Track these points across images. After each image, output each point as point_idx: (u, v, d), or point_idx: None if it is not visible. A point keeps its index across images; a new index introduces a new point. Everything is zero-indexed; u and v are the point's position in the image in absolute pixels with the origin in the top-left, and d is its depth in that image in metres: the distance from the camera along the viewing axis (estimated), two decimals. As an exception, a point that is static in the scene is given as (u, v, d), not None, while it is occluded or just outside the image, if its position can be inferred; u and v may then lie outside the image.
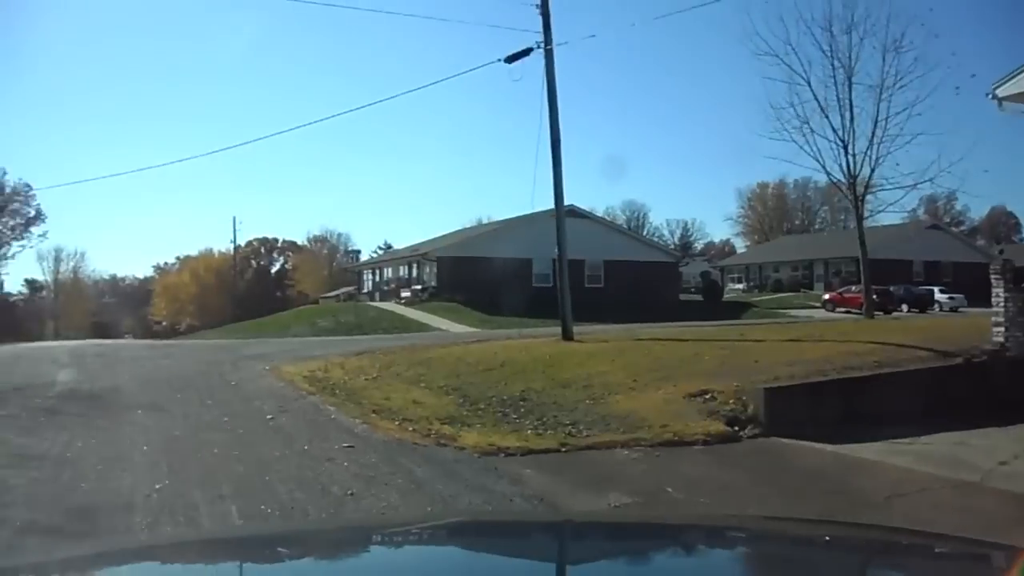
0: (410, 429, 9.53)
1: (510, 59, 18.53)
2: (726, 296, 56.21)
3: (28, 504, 6.30)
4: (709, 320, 30.63)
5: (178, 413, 10.79)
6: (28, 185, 62.45)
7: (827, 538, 2.42)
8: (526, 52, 18.32)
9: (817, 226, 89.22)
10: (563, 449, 8.70)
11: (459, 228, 68.56)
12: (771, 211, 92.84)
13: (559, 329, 18.30)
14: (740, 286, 68.12)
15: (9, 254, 67.05)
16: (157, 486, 6.77)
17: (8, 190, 62.79)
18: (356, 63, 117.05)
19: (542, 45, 18.21)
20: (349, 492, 6.56)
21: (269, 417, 10.31)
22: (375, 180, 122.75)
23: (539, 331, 21.53)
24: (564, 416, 10.12)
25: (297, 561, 2.18)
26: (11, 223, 64.57)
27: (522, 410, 10.69)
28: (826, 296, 45.41)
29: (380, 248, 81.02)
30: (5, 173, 62.32)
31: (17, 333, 65.56)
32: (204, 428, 9.62)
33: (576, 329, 18.28)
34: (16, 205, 63.58)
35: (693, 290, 58.84)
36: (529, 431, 9.57)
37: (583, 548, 2.35)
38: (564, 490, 7.16)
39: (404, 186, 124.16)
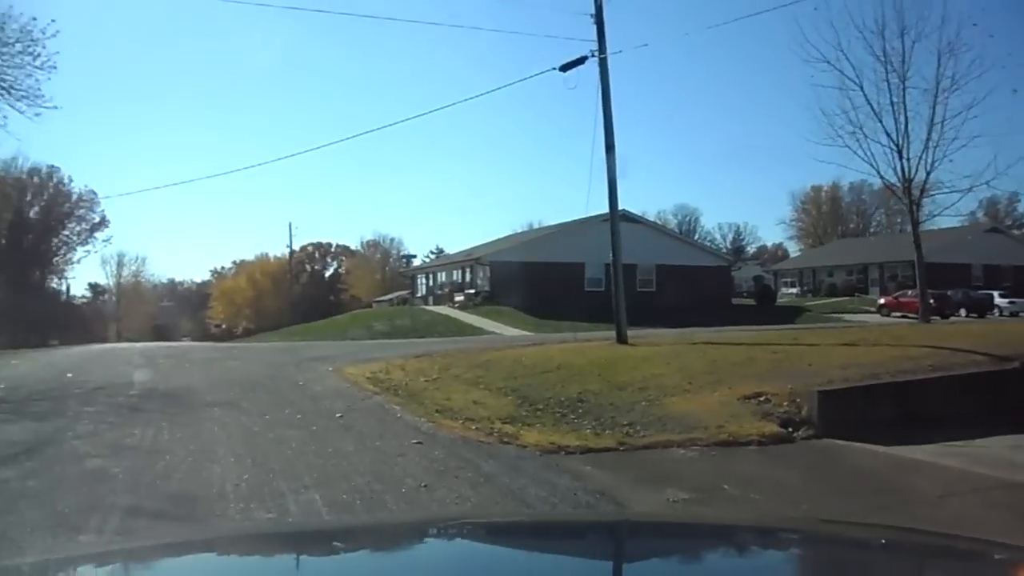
0: (473, 428, 9.93)
1: (565, 68, 18.91)
2: (779, 300, 55.84)
3: (131, 491, 6.84)
4: (762, 325, 30.64)
5: (253, 411, 11.37)
6: (93, 192, 64.66)
7: (841, 538, 2.41)
8: (581, 61, 18.69)
9: (872, 229, 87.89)
10: (621, 448, 9.02)
11: (511, 233, 69.10)
12: (825, 214, 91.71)
13: (613, 333, 18.58)
14: (793, 290, 67.50)
15: (75, 259, 69.40)
16: (245, 476, 7.28)
17: (75, 197, 64.96)
18: (410, 73, 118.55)
19: (596, 54, 18.55)
20: (423, 484, 6.98)
21: (339, 415, 10.81)
22: (428, 185, 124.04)
23: (593, 335, 21.83)
24: (621, 417, 10.43)
25: (297, 561, 2.17)
26: (77, 228, 66.80)
27: (580, 411, 11.02)
28: (881, 301, 44.90)
29: (432, 252, 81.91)
30: (71, 180, 64.47)
31: (82, 335, 67.75)
32: (279, 425, 10.16)
33: (629, 333, 18.55)
34: (82, 211, 65.76)
35: (745, 294, 58.51)
36: (588, 431, 9.91)
37: (583, 548, 2.33)
38: (624, 486, 7.46)
39: (456, 191, 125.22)
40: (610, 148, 18.55)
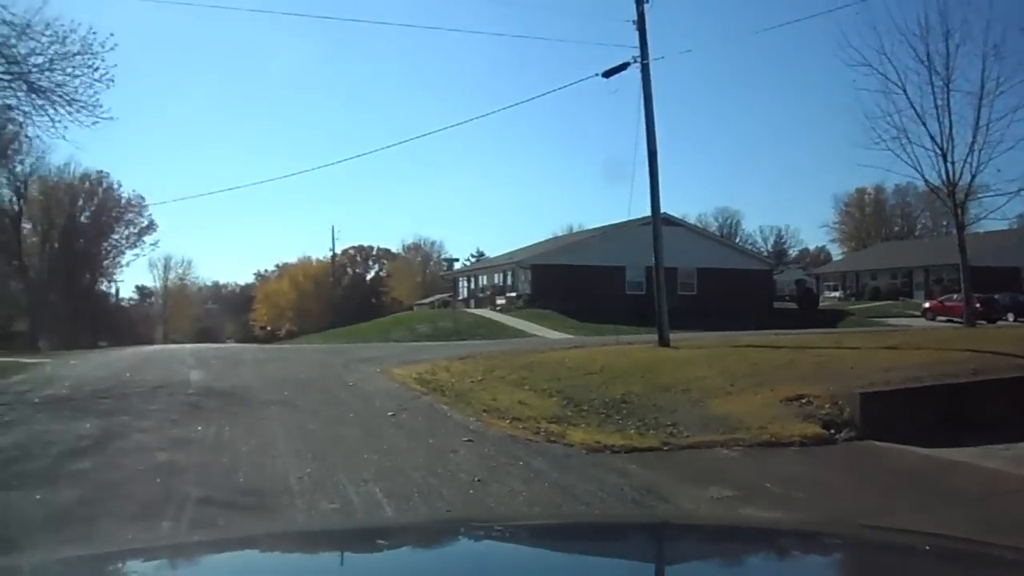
0: (520, 427, 10.22)
1: (607, 73, 19.19)
2: (821, 304, 55.38)
3: (201, 483, 7.24)
4: (804, 328, 30.55)
5: (307, 409, 11.79)
6: (141, 196, 65.98)
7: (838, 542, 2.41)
8: (623, 67, 18.94)
9: (917, 232, 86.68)
10: (665, 448, 9.25)
11: (551, 236, 69.40)
12: (869, 217, 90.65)
13: (655, 336, 18.79)
14: (836, 294, 66.88)
15: (124, 262, 70.93)
16: (307, 470, 7.66)
17: (123, 202, 66.41)
18: (453, 78, 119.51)
19: (639, 60, 18.78)
20: (476, 479, 7.30)
21: (390, 414, 11.18)
22: (469, 189, 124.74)
23: (635, 338, 22.02)
24: (664, 418, 10.65)
25: (297, 562, 2.19)
26: (126, 233, 68.22)
27: (624, 412, 11.27)
28: (926, 304, 44.41)
29: (473, 256, 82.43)
30: (120, 186, 65.93)
31: (130, 337, 69.20)
32: (334, 422, 10.56)
33: (671, 336, 18.73)
34: (130, 216, 67.16)
35: (787, 298, 58.15)
36: (632, 431, 10.16)
37: (583, 548, 2.34)
38: (668, 483, 7.70)
39: (496, 194, 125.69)
40: (652, 153, 18.77)
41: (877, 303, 54.83)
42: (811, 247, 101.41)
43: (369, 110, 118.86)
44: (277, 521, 6.04)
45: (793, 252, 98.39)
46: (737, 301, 42.23)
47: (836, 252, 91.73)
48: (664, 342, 18.30)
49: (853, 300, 60.94)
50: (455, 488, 7.02)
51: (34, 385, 16.46)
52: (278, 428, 10.15)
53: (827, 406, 10.43)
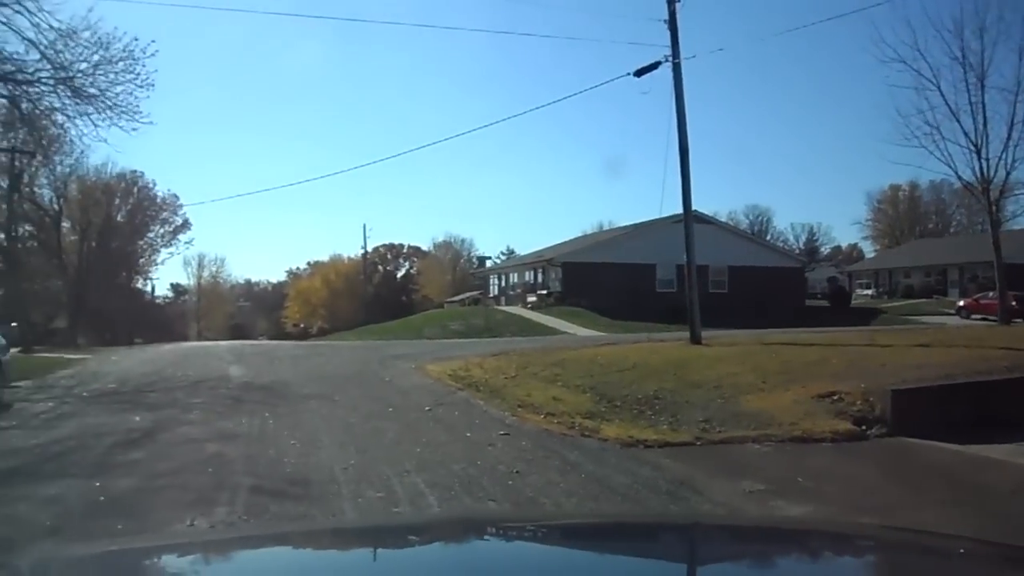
0: (555, 422, 10.45)
1: (639, 73, 19.31)
2: (854, 302, 54.93)
3: (250, 473, 7.55)
4: (836, 326, 30.40)
5: (347, 403, 12.11)
6: (175, 195, 66.95)
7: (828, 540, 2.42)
8: (654, 66, 19.06)
9: (952, 229, 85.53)
10: (698, 443, 9.44)
11: (581, 233, 69.44)
12: (903, 214, 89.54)
13: (686, 333, 18.90)
14: (869, 292, 66.24)
15: (159, 260, 72.02)
16: (352, 461, 7.95)
17: (158, 201, 67.45)
18: (483, 78, 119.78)
19: (670, 59, 18.90)
20: (515, 470, 7.54)
21: (427, 408, 11.46)
22: (499, 187, 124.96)
23: (667, 335, 22.16)
24: (697, 414, 10.82)
25: (297, 561, 2.17)
26: (161, 231, 69.26)
27: (656, 408, 11.45)
28: (960, 303, 43.91)
29: (503, 253, 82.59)
30: (155, 185, 66.95)
31: (165, 334, 70.20)
32: (373, 416, 10.86)
33: (702, 333, 18.83)
34: (165, 215, 68.18)
35: (820, 296, 57.73)
36: (665, 426, 10.35)
37: (583, 547, 2.35)
38: (701, 476, 7.88)
39: (527, 192, 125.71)
40: (684, 151, 18.86)
41: (910, 301, 54.26)
42: (843, 244, 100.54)
43: (399, 109, 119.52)
44: (325, 511, 6.30)
45: (825, 249, 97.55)
46: (768, 299, 42.03)
47: (869, 250, 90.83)
48: (696, 339, 18.41)
49: (886, 298, 60.38)
50: (494, 479, 7.26)
51: (81, 380, 16.99)
52: (319, 422, 10.47)
53: (858, 403, 10.54)
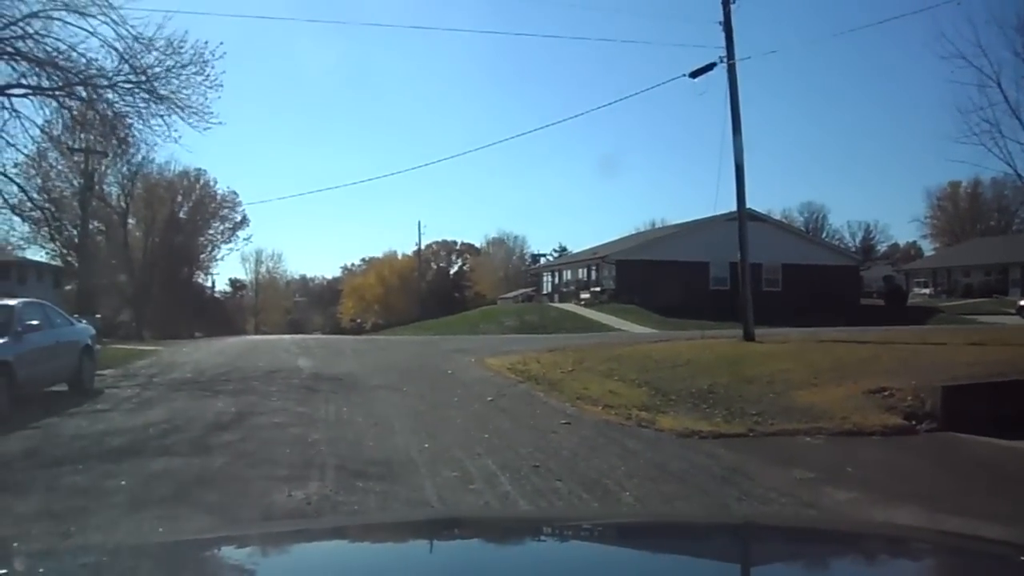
0: (613, 413, 10.93)
1: (694, 74, 19.66)
2: (910, 301, 54.29)
3: (333, 454, 8.19)
4: (891, 325, 30.32)
5: (414, 393, 12.78)
6: (235, 193, 68.58)
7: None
8: (710, 67, 19.38)
9: (1016, 227, 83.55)
10: (750, 434, 9.84)
11: (633, 231, 69.53)
12: (963, 211, 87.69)
13: (739, 331, 19.20)
14: (926, 291, 65.28)
15: (219, 256, 73.86)
16: (425, 445, 8.57)
17: (219, 198, 69.20)
18: (539, 78, 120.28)
19: (725, 60, 19.20)
20: (578, 455, 8.08)
21: (490, 399, 12.05)
22: (552, 184, 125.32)
23: (719, 332, 22.41)
24: (750, 407, 11.20)
25: (296, 560, 2.17)
26: (221, 228, 71.01)
27: (710, 401, 11.85)
28: (1022, 302, 43.23)
29: (555, 251, 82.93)
30: (216, 182, 68.68)
31: (224, 328, 71.81)
32: (440, 406, 11.49)
33: (756, 332, 19.11)
34: (225, 212, 69.91)
35: (875, 295, 57.14)
36: (719, 419, 10.76)
37: (583, 547, 2.37)
38: (753, 465, 8.29)
39: (579, 190, 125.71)
40: (738, 150, 19.17)
41: (969, 300, 53.39)
42: (900, 242, 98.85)
43: (454, 109, 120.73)
44: (407, 487, 6.88)
45: (882, 248, 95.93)
46: (822, 297, 41.84)
47: (927, 248, 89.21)
48: (749, 337, 18.71)
49: (944, 297, 59.48)
50: (560, 462, 7.80)
51: (160, 369, 17.94)
52: (391, 409, 11.13)
53: (909, 398, 10.80)
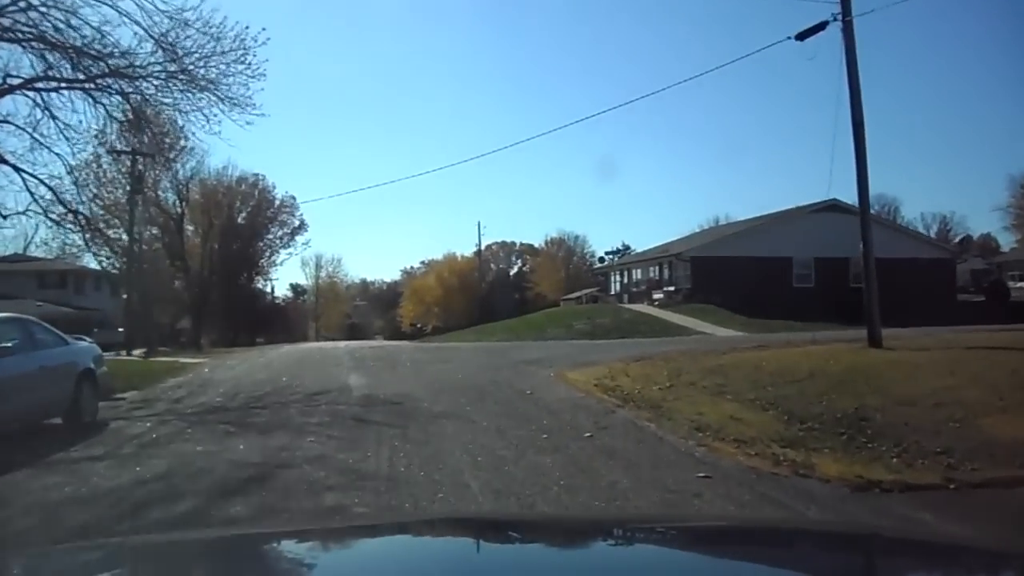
0: (752, 453, 8.33)
1: (801, 36, 16.92)
2: (1012, 297, 50.23)
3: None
4: (996, 324, 26.84)
5: (489, 427, 10.10)
6: (293, 197, 67.67)
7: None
8: (821, 27, 16.61)
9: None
10: (951, 486, 7.16)
11: (698, 227, 66.66)
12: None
13: (846, 333, 16.71)
14: (1021, 284, 60.93)
15: (278, 261, 72.92)
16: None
17: (277, 203, 68.15)
18: (595, 72, 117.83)
19: (839, 17, 16.39)
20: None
21: (588, 434, 9.44)
22: (610, 182, 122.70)
23: (829, 336, 19.68)
24: (928, 442, 8.52)
25: (296, 560, 2.11)
26: (279, 233, 70.09)
27: (868, 432, 9.17)
28: None
29: (619, 249, 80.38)
30: (274, 187, 67.65)
31: (284, 333, 71.18)
32: (526, 447, 8.77)
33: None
34: (283, 216, 68.88)
35: (972, 290, 53.20)
36: (893, 460, 8.09)
37: (583, 547, 2.30)
38: (989, 540, 5.67)
39: (639, 187, 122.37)
40: (858, 124, 16.41)
41: (1072, 295, 49.27)
42: (974, 235, 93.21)
43: (514, 103, 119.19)
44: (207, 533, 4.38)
45: (956, 239, 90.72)
46: (915, 293, 38.39)
47: (1006, 240, 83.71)
48: (875, 342, 15.94)
49: (1041, 291, 55.19)
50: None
51: (190, 390, 15.82)
52: (461, 454, 8.44)
53: None
